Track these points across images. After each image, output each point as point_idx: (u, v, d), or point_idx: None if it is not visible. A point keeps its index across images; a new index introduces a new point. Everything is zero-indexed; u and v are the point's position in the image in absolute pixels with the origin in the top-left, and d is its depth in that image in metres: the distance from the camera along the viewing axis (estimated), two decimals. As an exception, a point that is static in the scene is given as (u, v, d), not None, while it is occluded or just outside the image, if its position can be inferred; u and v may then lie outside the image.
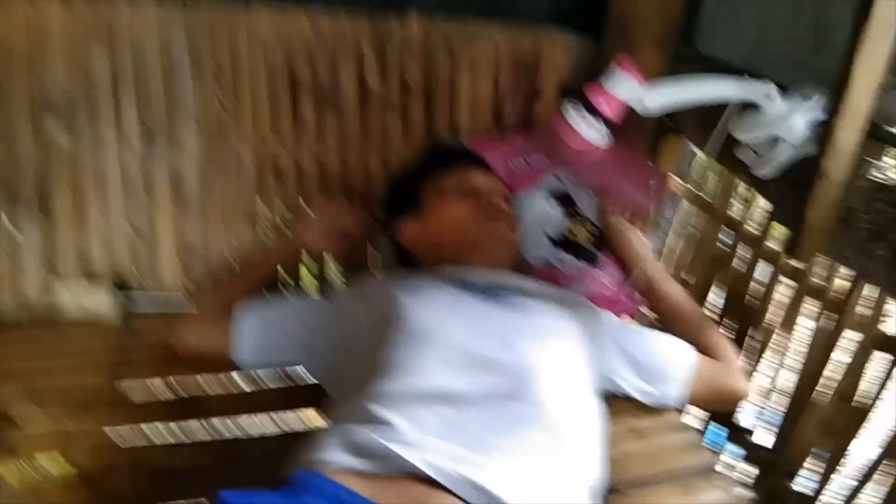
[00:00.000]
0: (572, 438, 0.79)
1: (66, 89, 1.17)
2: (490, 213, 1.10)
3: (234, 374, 1.07)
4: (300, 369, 1.06)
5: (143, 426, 0.96)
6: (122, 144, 1.21)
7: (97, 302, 1.18)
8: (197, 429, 0.99)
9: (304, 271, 1.31)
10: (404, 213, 1.17)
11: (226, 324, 1.03)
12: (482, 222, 1.09)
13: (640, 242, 1.21)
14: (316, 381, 1.03)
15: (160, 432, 0.97)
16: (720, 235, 1.29)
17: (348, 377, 0.88)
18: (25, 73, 1.14)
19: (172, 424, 0.98)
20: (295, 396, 1.06)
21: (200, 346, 1.05)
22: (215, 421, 1.01)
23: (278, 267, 1.23)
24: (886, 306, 0.99)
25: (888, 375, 0.97)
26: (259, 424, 1.03)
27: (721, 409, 1.20)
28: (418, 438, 0.70)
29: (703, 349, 1.07)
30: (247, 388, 1.06)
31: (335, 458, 0.69)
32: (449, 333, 0.85)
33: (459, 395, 0.76)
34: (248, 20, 1.24)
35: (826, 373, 1.05)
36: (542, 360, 0.84)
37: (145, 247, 1.24)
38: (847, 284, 1.03)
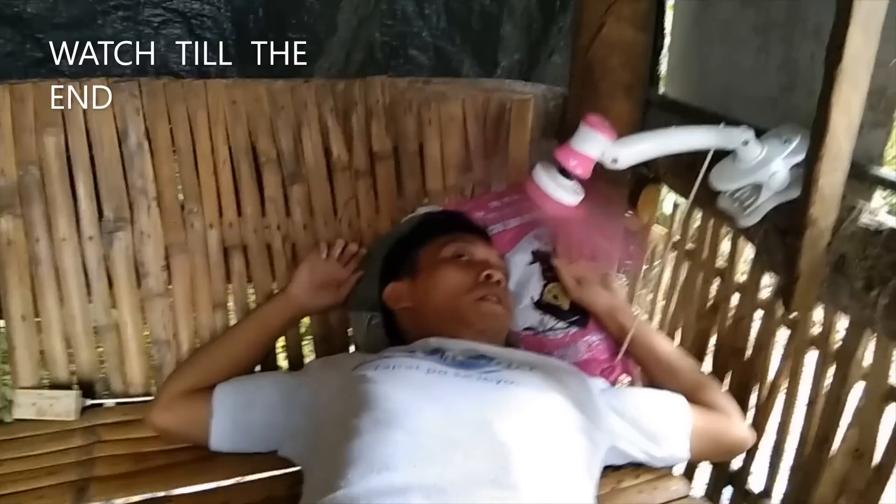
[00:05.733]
0: None
1: (18, 181, 1.12)
2: (487, 289, 1.04)
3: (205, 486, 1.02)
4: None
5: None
6: (80, 235, 1.16)
7: (59, 408, 1.11)
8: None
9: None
10: (396, 277, 1.12)
11: (205, 408, 1.00)
12: (476, 298, 1.03)
13: (612, 293, 1.15)
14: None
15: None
16: (710, 285, 1.23)
17: (323, 464, 0.83)
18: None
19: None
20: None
21: (178, 431, 1.03)
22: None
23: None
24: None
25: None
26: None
27: (726, 459, 1.13)
28: None
29: (701, 403, 1.03)
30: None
31: None
32: (421, 417, 0.81)
33: (435, 485, 0.74)
34: (206, 97, 1.21)
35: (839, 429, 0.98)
36: (524, 438, 0.81)
37: (109, 344, 1.18)
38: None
